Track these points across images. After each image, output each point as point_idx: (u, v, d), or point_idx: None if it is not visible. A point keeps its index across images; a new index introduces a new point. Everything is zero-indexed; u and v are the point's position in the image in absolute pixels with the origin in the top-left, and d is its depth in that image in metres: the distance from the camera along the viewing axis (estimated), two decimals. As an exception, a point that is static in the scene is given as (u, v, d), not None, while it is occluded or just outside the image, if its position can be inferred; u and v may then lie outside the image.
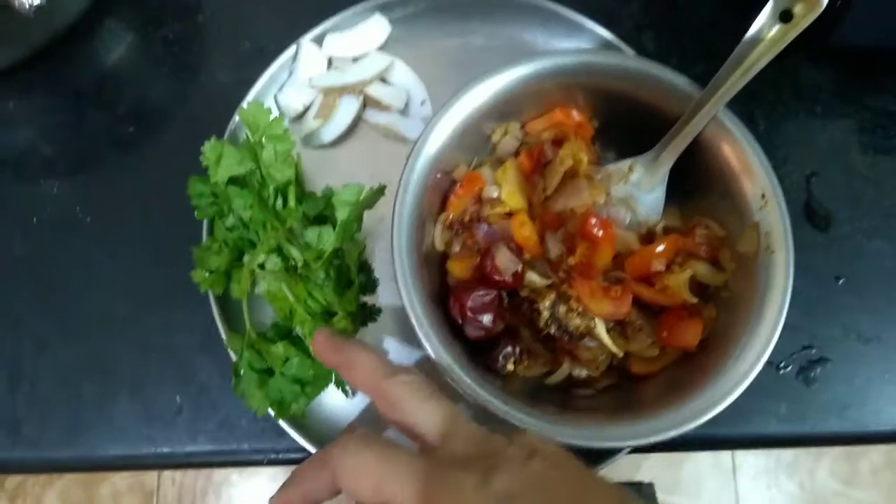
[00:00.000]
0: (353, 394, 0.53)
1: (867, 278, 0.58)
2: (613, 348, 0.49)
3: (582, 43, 0.60)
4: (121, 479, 1.33)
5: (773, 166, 0.48)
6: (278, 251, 0.49)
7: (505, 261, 0.49)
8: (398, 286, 0.46)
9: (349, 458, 0.34)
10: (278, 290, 0.49)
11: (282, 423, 0.51)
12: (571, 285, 0.49)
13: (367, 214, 0.52)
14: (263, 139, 0.51)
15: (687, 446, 0.52)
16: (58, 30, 0.60)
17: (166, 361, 0.55)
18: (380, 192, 0.51)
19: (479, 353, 0.50)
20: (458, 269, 0.51)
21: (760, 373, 0.45)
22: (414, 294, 0.46)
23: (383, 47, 0.60)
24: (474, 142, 0.53)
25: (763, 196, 0.48)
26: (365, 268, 0.55)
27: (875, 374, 0.56)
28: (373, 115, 0.59)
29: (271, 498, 0.37)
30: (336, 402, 0.53)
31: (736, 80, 0.47)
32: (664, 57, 0.60)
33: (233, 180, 0.51)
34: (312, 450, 0.51)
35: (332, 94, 0.58)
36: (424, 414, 0.36)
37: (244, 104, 0.56)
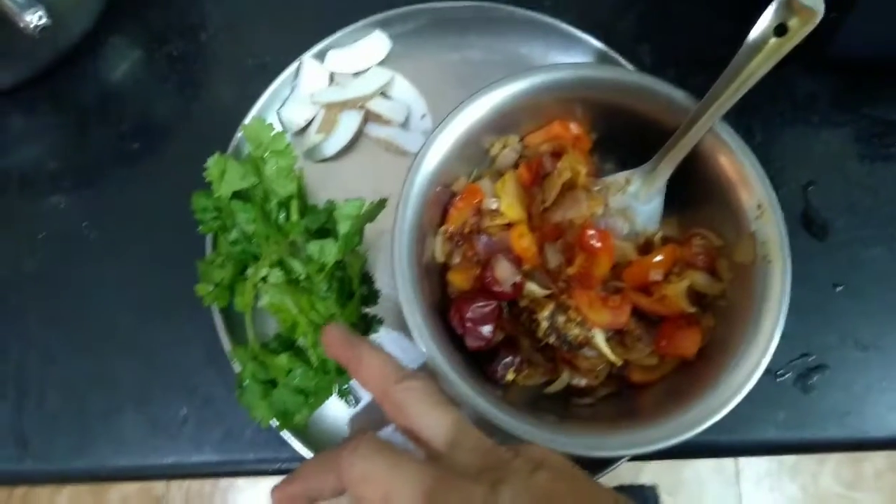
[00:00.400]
0: (355, 403, 0.54)
1: (865, 286, 0.58)
2: (612, 357, 0.50)
3: (579, 56, 0.61)
4: (129, 485, 1.34)
5: (770, 175, 0.49)
6: (281, 264, 0.50)
7: (504, 272, 0.50)
8: (399, 298, 0.46)
9: (359, 463, 0.34)
10: (281, 303, 0.50)
11: (285, 433, 0.51)
12: (570, 295, 0.50)
13: (368, 227, 0.53)
14: (266, 154, 0.52)
15: (686, 454, 0.52)
16: (62, 48, 0.61)
17: (171, 373, 0.56)
18: (381, 205, 0.52)
19: (479, 363, 0.51)
20: (459, 280, 0.52)
21: (759, 380, 0.45)
22: (414, 305, 0.46)
23: (384, 62, 0.61)
24: (474, 155, 0.54)
25: (759, 206, 0.48)
26: (367, 279, 0.55)
27: (873, 381, 0.56)
28: (374, 129, 0.60)
29: (274, 487, 0.38)
30: (338, 413, 0.54)
31: (731, 93, 0.47)
32: (661, 69, 0.62)
33: (236, 195, 0.52)
34: (316, 460, 0.52)
35: (334, 109, 0.59)
36: (431, 421, 0.36)
37: (247, 120, 0.57)
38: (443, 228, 0.53)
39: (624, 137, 0.53)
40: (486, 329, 0.50)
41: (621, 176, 0.53)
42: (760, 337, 0.46)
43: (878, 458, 1.38)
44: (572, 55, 0.61)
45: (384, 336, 0.55)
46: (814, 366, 0.56)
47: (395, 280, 0.47)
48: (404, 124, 0.60)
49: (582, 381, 0.51)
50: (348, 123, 0.59)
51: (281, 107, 0.59)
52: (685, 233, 0.53)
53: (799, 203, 0.60)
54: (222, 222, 0.53)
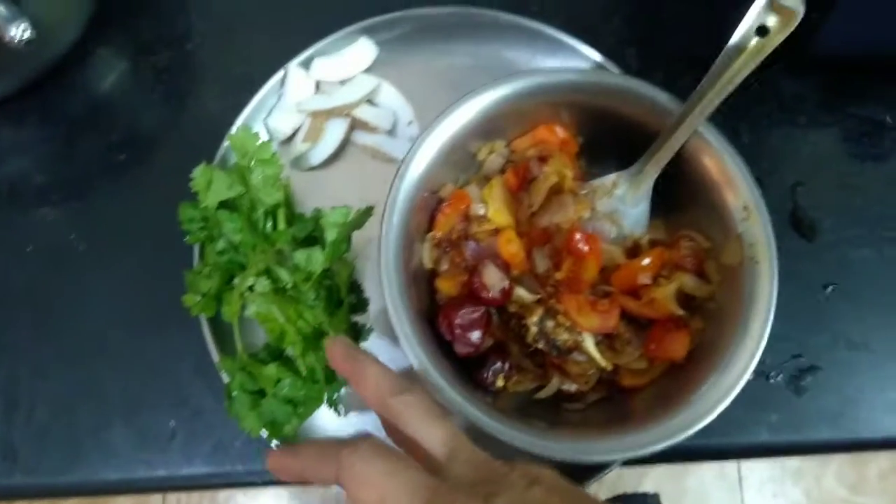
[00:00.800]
0: (345, 413, 0.54)
1: (855, 286, 0.58)
2: (602, 362, 0.49)
3: (566, 61, 0.61)
4: (124, 499, 1.33)
5: (758, 176, 0.49)
6: (268, 273, 0.50)
7: (493, 277, 0.50)
8: (387, 306, 0.46)
9: (358, 464, 0.34)
10: (268, 312, 0.50)
11: (275, 443, 0.51)
12: (559, 300, 0.49)
13: (356, 234, 0.53)
14: (252, 163, 0.52)
15: (678, 457, 0.52)
16: (49, 60, 0.60)
17: (160, 385, 0.55)
18: (367, 212, 0.52)
19: (468, 369, 0.50)
20: (447, 286, 0.52)
21: (751, 382, 0.45)
22: (402, 313, 0.46)
23: (370, 70, 0.61)
24: (460, 160, 0.54)
25: (745, 208, 0.48)
26: (355, 288, 0.55)
27: (866, 381, 0.56)
28: (360, 137, 0.60)
29: (270, 453, 0.39)
30: (328, 422, 0.54)
31: (715, 94, 0.47)
32: (649, 72, 0.61)
33: (223, 204, 0.52)
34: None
35: (320, 118, 0.59)
36: (427, 434, 0.36)
37: (233, 130, 0.57)
38: (430, 235, 0.53)
39: (610, 141, 0.53)
40: (475, 335, 0.50)
41: (608, 179, 0.53)
42: (749, 339, 0.46)
43: (882, 460, 1.38)
44: (558, 59, 0.61)
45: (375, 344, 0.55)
46: (806, 367, 0.56)
47: (383, 287, 0.47)
48: (391, 131, 0.60)
49: (572, 387, 0.51)
50: (335, 131, 0.59)
51: (267, 116, 0.59)
52: (673, 235, 0.53)
53: (787, 204, 0.60)
54: (209, 232, 0.52)
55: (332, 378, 0.51)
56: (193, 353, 0.55)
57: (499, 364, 0.50)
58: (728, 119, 0.57)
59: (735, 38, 0.47)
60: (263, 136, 0.54)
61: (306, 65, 0.60)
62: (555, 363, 0.51)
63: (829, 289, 0.58)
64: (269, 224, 0.53)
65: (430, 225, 0.53)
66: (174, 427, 0.55)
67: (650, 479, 1.30)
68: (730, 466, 1.37)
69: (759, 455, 0.56)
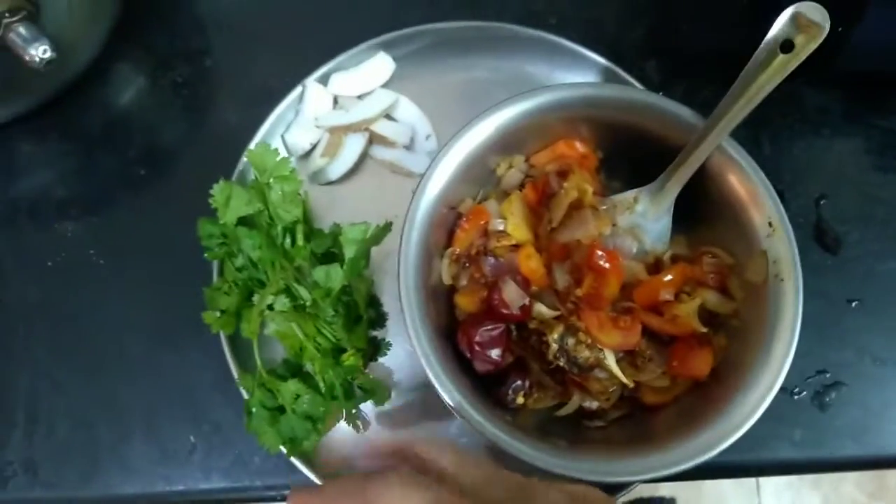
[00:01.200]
0: (364, 429, 0.53)
1: (880, 300, 0.57)
2: (623, 379, 0.49)
3: (585, 74, 0.60)
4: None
5: (780, 189, 0.48)
6: (287, 291, 0.50)
7: (512, 294, 0.49)
8: (405, 322, 0.46)
9: (386, 493, 0.33)
10: (287, 330, 0.50)
11: (293, 459, 0.51)
12: (580, 317, 0.49)
13: (375, 250, 0.52)
14: (271, 180, 0.52)
15: (701, 475, 0.52)
16: (69, 77, 0.61)
17: (180, 401, 0.56)
18: (386, 228, 0.52)
19: (488, 386, 0.50)
20: (466, 302, 0.52)
21: (774, 399, 0.45)
22: (421, 330, 0.46)
23: (388, 84, 0.61)
24: (479, 175, 0.53)
25: (770, 224, 0.48)
26: (374, 303, 0.55)
27: (891, 396, 0.55)
28: (379, 152, 0.60)
29: (293, 492, 0.37)
30: (347, 438, 0.54)
31: (738, 110, 0.47)
32: (669, 85, 0.61)
33: (242, 221, 0.52)
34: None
35: (338, 132, 0.59)
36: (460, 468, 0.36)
37: (252, 145, 0.57)
38: (449, 250, 0.53)
39: (631, 155, 0.53)
40: (495, 352, 0.49)
41: (629, 194, 0.53)
42: (774, 357, 0.45)
43: (903, 468, 1.36)
44: (578, 73, 0.60)
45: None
46: (830, 383, 0.55)
47: (402, 304, 0.46)
48: (409, 146, 0.60)
49: (593, 404, 0.51)
50: (353, 146, 0.59)
51: (285, 131, 0.59)
52: (695, 251, 0.52)
53: (811, 216, 0.59)
54: (228, 248, 0.53)
55: (350, 394, 0.51)
56: (213, 368, 0.55)
57: (519, 381, 0.50)
58: (749, 129, 0.57)
59: (758, 55, 0.46)
60: (282, 152, 0.54)
61: (324, 80, 0.60)
62: (576, 380, 0.50)
63: (854, 303, 0.57)
64: (288, 240, 0.53)
65: (449, 240, 0.53)
66: (193, 442, 0.55)
67: (667, 484, 1.29)
68: (746, 472, 1.36)
69: (782, 472, 0.55)
